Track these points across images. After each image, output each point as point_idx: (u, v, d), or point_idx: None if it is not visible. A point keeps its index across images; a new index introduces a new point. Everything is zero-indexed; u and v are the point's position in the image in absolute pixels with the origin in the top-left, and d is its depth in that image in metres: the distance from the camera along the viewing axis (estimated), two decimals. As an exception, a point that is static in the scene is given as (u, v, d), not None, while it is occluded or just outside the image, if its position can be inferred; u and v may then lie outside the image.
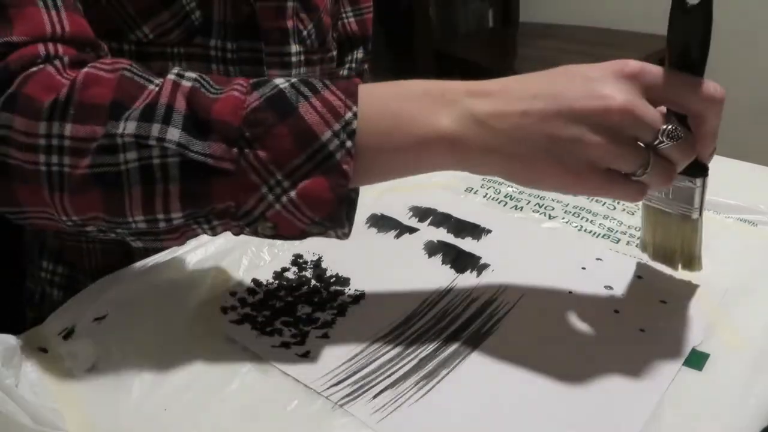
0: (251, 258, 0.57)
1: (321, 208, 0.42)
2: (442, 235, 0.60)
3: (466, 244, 0.59)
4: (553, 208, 0.64)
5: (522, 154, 0.41)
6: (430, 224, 0.62)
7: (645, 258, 0.55)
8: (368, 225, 0.62)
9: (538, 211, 0.63)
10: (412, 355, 0.46)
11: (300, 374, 0.45)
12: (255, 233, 0.45)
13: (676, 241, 0.51)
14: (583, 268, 0.55)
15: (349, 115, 0.41)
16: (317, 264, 0.57)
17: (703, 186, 0.47)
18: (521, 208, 0.64)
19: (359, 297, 0.52)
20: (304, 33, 0.70)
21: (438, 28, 2.09)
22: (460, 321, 0.49)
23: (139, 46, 0.60)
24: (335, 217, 0.43)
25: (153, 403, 0.43)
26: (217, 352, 0.47)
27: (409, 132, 0.42)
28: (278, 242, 0.59)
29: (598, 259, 0.56)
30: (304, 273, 0.56)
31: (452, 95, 0.43)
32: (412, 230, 0.61)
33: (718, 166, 0.68)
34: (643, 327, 0.48)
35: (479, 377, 0.44)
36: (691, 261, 0.51)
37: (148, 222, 0.43)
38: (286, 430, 0.41)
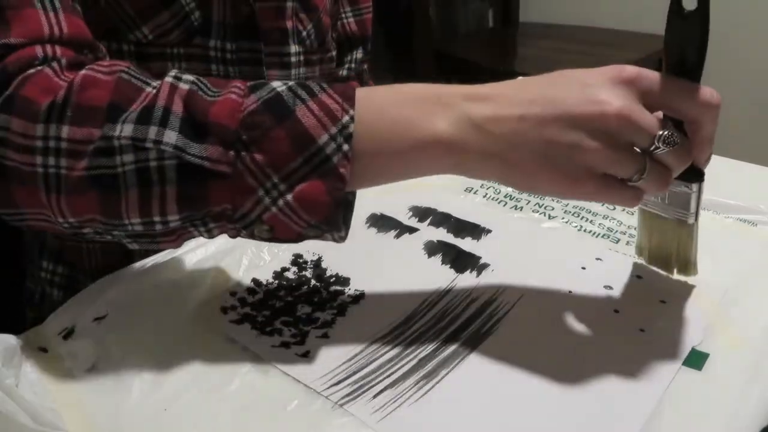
0: (251, 258, 0.57)
1: (318, 211, 0.42)
2: (441, 235, 0.60)
3: (466, 244, 0.59)
4: (553, 208, 0.64)
5: (519, 159, 0.42)
6: (430, 224, 0.62)
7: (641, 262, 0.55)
8: (368, 225, 0.62)
9: (538, 211, 0.63)
10: (412, 355, 0.46)
11: (300, 374, 0.45)
12: (251, 236, 0.45)
13: (671, 245, 0.51)
14: (583, 268, 0.55)
15: (346, 118, 0.41)
16: (317, 264, 0.57)
17: (699, 191, 0.47)
18: (521, 208, 0.64)
19: (359, 297, 0.52)
20: (304, 33, 0.70)
21: (438, 28, 2.09)
22: (460, 321, 0.49)
23: (139, 46, 0.60)
24: (332, 220, 0.43)
25: (153, 403, 0.43)
26: (217, 352, 0.47)
27: (406, 136, 0.42)
28: (278, 242, 0.59)
29: (597, 259, 0.56)
30: (304, 273, 0.56)
31: (449, 99, 0.43)
32: (412, 230, 0.61)
33: (718, 166, 0.68)
34: (642, 327, 0.48)
35: (479, 377, 0.44)
36: (687, 266, 0.51)
37: (145, 224, 0.43)
38: (286, 430, 0.41)
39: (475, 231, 0.61)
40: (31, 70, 0.44)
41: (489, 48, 2.15)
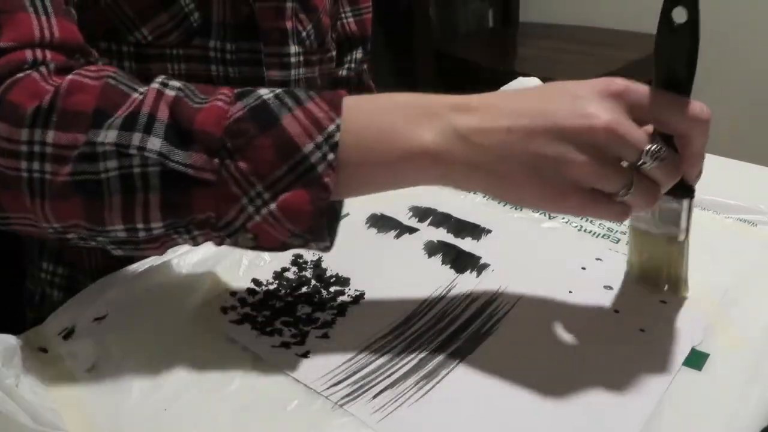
0: (251, 258, 0.57)
1: (301, 220, 0.42)
2: (442, 235, 0.60)
3: (466, 244, 0.59)
4: (553, 208, 0.64)
5: (505, 171, 0.41)
6: (430, 224, 0.62)
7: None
8: (368, 225, 0.62)
9: (538, 211, 0.63)
10: (412, 355, 0.46)
11: (300, 374, 0.45)
12: (236, 244, 0.45)
13: (662, 263, 0.50)
14: (583, 268, 0.55)
15: (332, 127, 0.41)
16: (317, 264, 0.57)
17: (689, 207, 0.46)
18: (521, 208, 0.64)
19: (359, 297, 0.52)
20: (303, 34, 0.70)
21: (438, 28, 2.09)
22: (460, 321, 0.49)
23: (138, 47, 0.60)
24: (315, 230, 0.42)
25: (153, 403, 0.43)
26: (217, 352, 0.47)
27: (392, 146, 0.42)
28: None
29: (597, 259, 0.56)
30: (304, 273, 0.56)
31: (437, 110, 0.42)
32: (412, 230, 0.61)
33: (718, 166, 0.68)
34: (643, 327, 0.48)
35: (479, 377, 0.44)
36: (677, 284, 0.50)
37: (128, 231, 0.43)
38: (286, 430, 0.41)
39: (475, 231, 0.61)
40: (20, 74, 0.43)
41: (489, 48, 2.15)
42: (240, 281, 0.54)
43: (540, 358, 0.45)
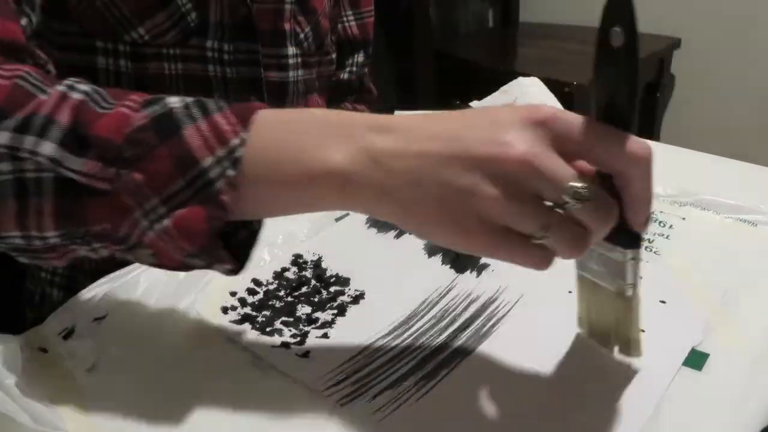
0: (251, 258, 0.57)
1: (194, 239, 0.39)
2: (442, 235, 0.60)
3: (466, 244, 0.59)
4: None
5: (413, 201, 0.37)
6: (430, 224, 0.62)
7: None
8: (368, 225, 0.62)
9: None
10: (412, 355, 0.46)
11: (300, 374, 0.45)
12: (137, 260, 0.42)
13: (609, 319, 0.44)
14: (583, 268, 0.55)
15: (235, 141, 0.38)
16: (317, 264, 0.57)
17: (636, 259, 0.40)
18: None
19: (359, 297, 0.52)
20: (301, 35, 0.70)
21: (438, 29, 2.09)
22: (460, 321, 0.49)
23: (135, 47, 0.60)
24: (209, 250, 0.39)
25: (153, 403, 0.43)
26: (217, 352, 0.47)
27: (297, 165, 0.38)
28: (278, 242, 0.59)
29: (598, 259, 0.56)
30: (304, 273, 0.56)
31: (353, 129, 0.39)
32: (412, 230, 0.61)
33: (718, 166, 0.68)
34: (643, 327, 0.48)
35: (479, 377, 0.44)
36: (628, 344, 0.44)
37: (24, 238, 0.41)
38: (286, 430, 0.41)
39: (475, 231, 0.61)
40: None
41: (489, 48, 2.15)
42: (240, 281, 0.54)
43: (539, 359, 0.45)
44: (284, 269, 0.56)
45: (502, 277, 0.54)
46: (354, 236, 0.61)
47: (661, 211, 0.62)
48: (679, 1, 1.91)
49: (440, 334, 0.48)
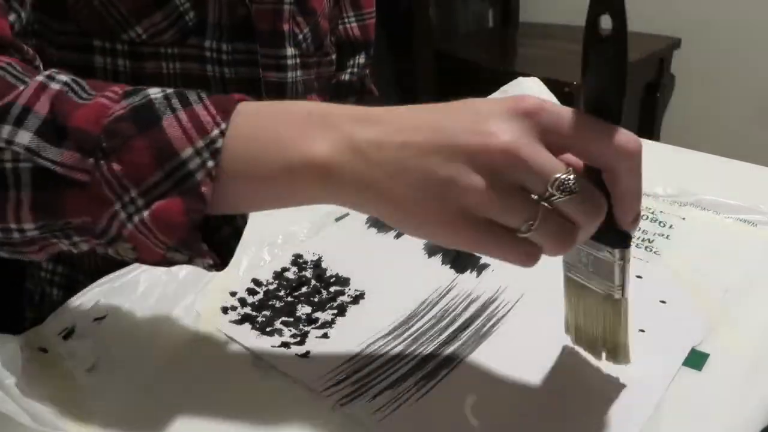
0: (251, 258, 0.57)
1: (172, 232, 0.38)
2: (442, 235, 0.60)
3: (466, 244, 0.59)
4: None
5: (396, 192, 0.36)
6: (430, 224, 0.62)
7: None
8: (368, 225, 0.62)
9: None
10: (412, 355, 0.46)
11: (300, 374, 0.45)
12: (118, 255, 0.41)
13: (597, 323, 0.43)
14: (583, 268, 0.55)
15: (215, 132, 0.37)
16: (317, 264, 0.57)
17: (625, 260, 0.38)
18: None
19: (359, 297, 0.52)
20: (300, 36, 0.70)
21: (438, 29, 2.09)
22: (460, 321, 0.49)
23: (133, 46, 0.60)
24: (188, 243, 0.38)
25: (153, 403, 0.43)
26: (217, 352, 0.47)
27: (279, 157, 0.38)
28: (278, 242, 0.59)
29: (598, 259, 0.56)
30: (304, 273, 0.56)
31: (335, 120, 0.38)
32: (412, 230, 0.61)
33: (718, 166, 0.68)
34: (643, 327, 0.48)
35: (479, 377, 0.44)
36: (616, 350, 0.43)
37: (2, 231, 0.40)
38: (286, 430, 0.41)
39: (475, 231, 0.61)
40: None
41: (489, 48, 2.15)
42: (240, 281, 0.54)
43: (540, 358, 0.45)
44: (284, 269, 0.56)
45: (502, 277, 0.54)
46: (354, 236, 0.61)
47: (661, 211, 0.62)
48: (679, 1, 1.91)
49: (440, 334, 0.48)
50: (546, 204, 0.35)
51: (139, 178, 0.37)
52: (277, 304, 0.52)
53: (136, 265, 0.56)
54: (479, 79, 1.84)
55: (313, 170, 0.37)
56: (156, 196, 0.37)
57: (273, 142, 0.38)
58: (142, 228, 0.38)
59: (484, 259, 0.56)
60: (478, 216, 0.35)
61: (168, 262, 0.41)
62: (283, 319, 0.50)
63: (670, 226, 0.60)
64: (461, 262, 0.56)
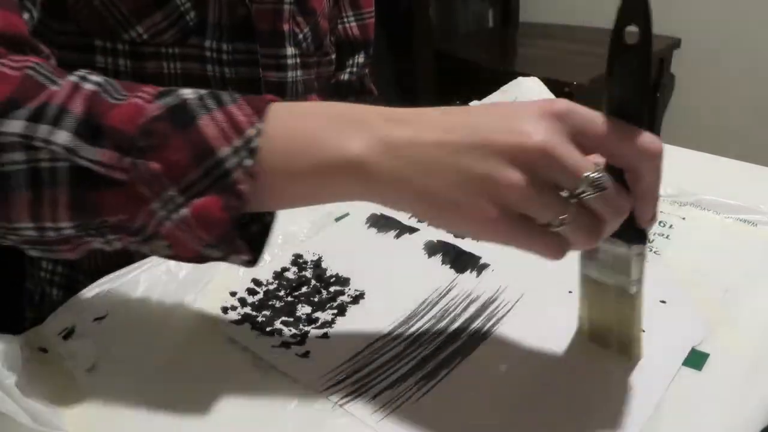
0: (251, 258, 0.57)
1: (212, 229, 0.39)
2: (441, 235, 0.60)
3: (466, 244, 0.59)
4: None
5: (432, 188, 0.37)
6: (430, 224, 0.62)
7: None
8: (368, 225, 0.62)
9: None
10: (412, 355, 0.46)
11: (300, 374, 0.45)
12: (153, 252, 0.42)
13: (611, 318, 0.44)
14: (583, 268, 0.55)
15: (251, 131, 0.38)
16: (317, 264, 0.57)
17: (641, 255, 0.40)
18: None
19: (359, 297, 0.52)
20: (300, 36, 0.70)
21: (438, 29, 2.09)
22: (460, 321, 0.49)
23: (133, 45, 0.60)
24: (227, 240, 0.39)
25: (153, 403, 0.43)
26: (217, 352, 0.47)
27: (315, 155, 0.39)
28: (278, 242, 0.59)
29: (598, 259, 0.56)
30: (304, 273, 0.56)
31: (369, 120, 0.39)
32: (412, 230, 0.61)
33: (718, 166, 0.68)
34: (643, 327, 0.48)
35: (479, 377, 0.44)
36: (629, 345, 0.44)
37: (37, 230, 0.40)
38: (286, 430, 0.41)
39: (475, 231, 0.61)
40: None
41: (489, 48, 2.15)
42: (240, 281, 0.54)
43: (539, 358, 0.45)
44: (284, 269, 0.56)
45: (502, 277, 0.54)
46: (354, 236, 0.61)
47: (661, 211, 0.62)
48: (679, 1, 1.91)
49: (440, 334, 0.48)
50: (577, 200, 0.36)
51: (177, 177, 0.38)
52: (277, 304, 0.52)
53: (136, 264, 0.56)
54: (479, 79, 1.84)
55: (349, 168, 0.38)
56: (194, 194, 0.38)
57: (309, 141, 0.39)
58: (181, 225, 0.39)
59: (484, 258, 0.56)
60: (513, 211, 0.37)
61: (202, 258, 0.41)
62: (283, 319, 0.50)
63: (670, 226, 0.60)
64: (461, 262, 0.56)
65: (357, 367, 0.45)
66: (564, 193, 0.37)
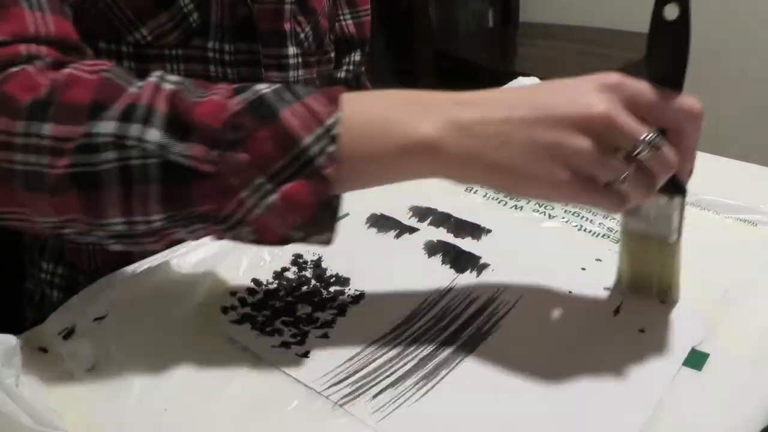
0: (251, 258, 0.57)
1: (302, 212, 0.42)
2: (441, 235, 0.60)
3: (466, 244, 0.59)
4: (553, 208, 0.64)
5: (503, 160, 0.41)
6: (429, 224, 0.62)
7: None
8: (368, 225, 0.62)
9: (538, 211, 0.63)
10: (412, 355, 0.46)
11: (300, 374, 0.45)
12: (236, 238, 0.45)
13: (653, 267, 0.49)
14: (583, 269, 0.55)
15: (331, 120, 0.41)
16: (317, 264, 0.57)
17: (681, 207, 0.46)
18: (521, 207, 0.64)
19: (359, 297, 0.52)
20: (302, 35, 0.70)
21: (438, 29, 2.09)
22: (460, 321, 0.49)
23: (138, 47, 0.60)
24: (316, 221, 0.43)
25: (153, 403, 0.43)
26: (217, 352, 0.47)
27: (392, 138, 0.42)
28: (278, 242, 0.59)
29: (597, 259, 0.56)
30: (304, 273, 0.56)
31: (435, 103, 0.43)
32: (412, 230, 0.61)
33: (719, 166, 0.68)
34: (643, 327, 0.48)
35: (479, 377, 0.44)
36: (669, 289, 0.49)
37: (127, 224, 0.43)
38: (286, 430, 0.41)
39: (475, 231, 0.61)
40: (14, 68, 0.43)
41: (489, 48, 2.15)
42: (240, 281, 0.54)
43: (540, 359, 0.45)
44: (284, 269, 0.56)
45: (502, 277, 0.54)
46: (354, 236, 0.61)
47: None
48: (679, 1, 1.91)
49: (440, 334, 0.48)
50: (635, 160, 0.41)
51: (265, 166, 0.41)
52: (277, 304, 0.52)
53: (136, 265, 0.56)
54: (479, 79, 1.84)
55: (423, 149, 0.42)
56: (282, 180, 0.41)
57: (383, 125, 0.43)
58: (270, 211, 0.42)
59: (484, 258, 0.56)
60: (581, 173, 0.41)
61: (285, 241, 0.44)
62: (283, 319, 0.50)
63: (670, 226, 0.60)
64: (461, 262, 0.56)
65: (357, 367, 0.45)
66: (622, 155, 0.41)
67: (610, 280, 0.53)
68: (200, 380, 0.45)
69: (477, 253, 0.57)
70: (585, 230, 0.60)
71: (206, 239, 0.57)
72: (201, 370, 0.45)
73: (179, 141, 0.41)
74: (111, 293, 0.52)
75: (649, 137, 0.41)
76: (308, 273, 0.56)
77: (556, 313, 0.50)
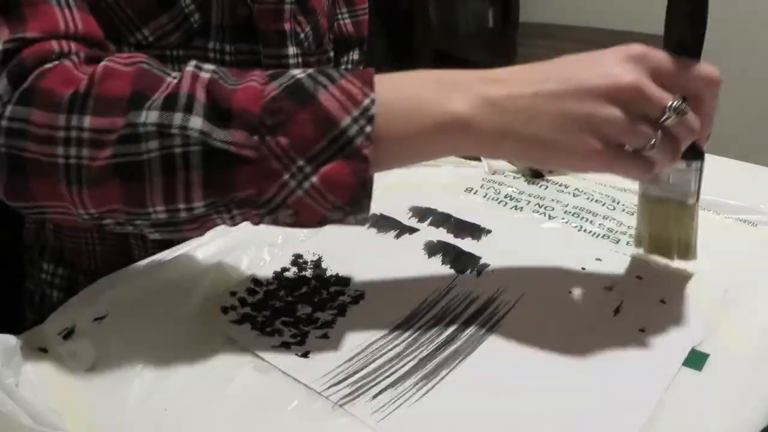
0: (251, 258, 0.57)
1: (343, 192, 0.43)
2: (442, 235, 0.60)
3: (466, 244, 0.59)
4: (553, 209, 0.64)
5: (535, 133, 0.43)
6: (430, 224, 0.62)
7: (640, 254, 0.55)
8: (368, 225, 0.62)
9: (538, 211, 0.63)
10: (412, 355, 0.46)
11: (300, 374, 0.45)
12: (275, 222, 0.45)
13: (673, 230, 0.52)
14: (583, 269, 0.55)
15: (367, 101, 0.42)
16: (317, 264, 0.57)
17: (700, 170, 0.49)
18: (521, 208, 0.64)
19: (359, 297, 0.52)
20: (302, 35, 0.70)
21: (438, 29, 2.09)
22: (460, 321, 0.49)
23: (139, 48, 0.60)
24: (356, 201, 0.43)
25: (153, 403, 0.43)
26: (217, 352, 0.47)
27: (426, 116, 0.43)
28: (278, 242, 0.59)
29: (597, 259, 0.56)
30: (304, 273, 0.56)
31: (465, 82, 0.44)
32: (412, 230, 0.61)
33: (718, 166, 0.68)
34: (643, 327, 0.48)
35: (479, 377, 0.44)
36: (688, 250, 0.52)
37: (169, 212, 0.44)
38: (286, 430, 0.41)
39: (475, 231, 0.61)
40: (49, 64, 0.45)
41: (489, 48, 2.16)
42: (240, 281, 0.54)
43: (540, 359, 0.45)
44: (284, 269, 0.56)
45: (502, 277, 0.54)
46: (354, 236, 0.60)
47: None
48: (679, 1, 1.91)
49: (440, 334, 0.48)
50: (662, 126, 0.43)
51: (305, 148, 0.42)
52: (277, 304, 0.52)
53: (136, 264, 0.56)
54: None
55: (457, 125, 0.43)
56: (322, 162, 0.42)
57: (416, 105, 0.44)
58: (312, 192, 0.43)
59: (484, 259, 0.56)
60: (610, 142, 0.43)
61: (323, 222, 0.45)
62: (283, 319, 0.50)
63: (670, 226, 0.60)
64: (461, 262, 0.56)
65: (357, 367, 0.45)
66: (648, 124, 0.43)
67: (610, 280, 0.53)
68: (200, 380, 0.45)
69: (477, 253, 0.57)
70: (585, 231, 0.60)
71: (206, 238, 0.57)
72: (201, 370, 0.45)
73: (221, 128, 0.42)
74: (111, 293, 0.52)
75: (675, 104, 0.42)
76: (308, 273, 0.56)
77: (556, 314, 0.50)
